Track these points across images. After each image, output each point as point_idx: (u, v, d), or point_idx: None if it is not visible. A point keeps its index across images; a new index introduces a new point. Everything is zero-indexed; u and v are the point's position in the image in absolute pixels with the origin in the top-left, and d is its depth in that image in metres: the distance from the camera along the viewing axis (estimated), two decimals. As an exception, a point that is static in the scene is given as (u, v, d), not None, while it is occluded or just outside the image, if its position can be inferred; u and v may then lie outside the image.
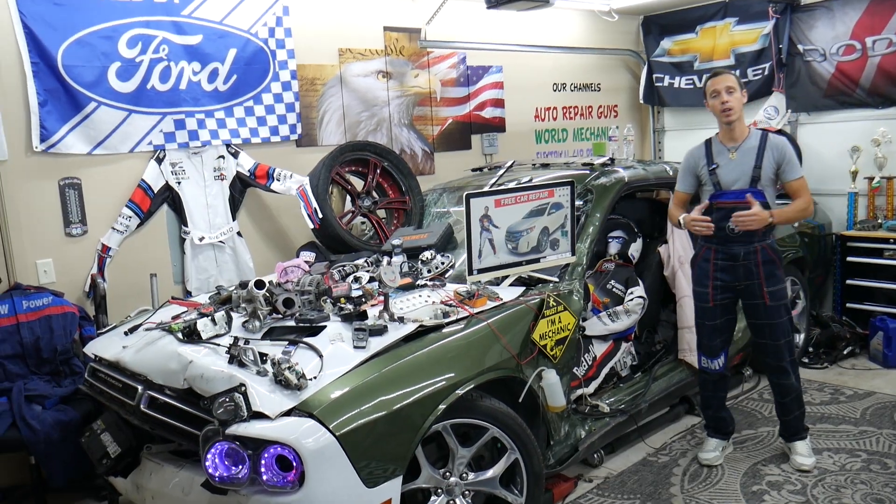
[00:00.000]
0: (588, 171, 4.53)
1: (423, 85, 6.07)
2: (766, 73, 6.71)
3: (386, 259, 4.19)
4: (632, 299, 4.57)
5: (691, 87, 7.35)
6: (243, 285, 3.45)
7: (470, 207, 3.55)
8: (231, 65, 5.01)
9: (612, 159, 4.79)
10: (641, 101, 7.67)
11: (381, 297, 3.32)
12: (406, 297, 3.51)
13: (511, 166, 4.95)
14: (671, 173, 4.82)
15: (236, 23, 5.03)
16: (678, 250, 4.78)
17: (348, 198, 5.08)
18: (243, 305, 3.38)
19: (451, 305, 3.38)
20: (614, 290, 4.64)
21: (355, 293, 3.60)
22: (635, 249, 4.84)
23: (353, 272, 3.96)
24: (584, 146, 7.44)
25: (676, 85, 7.45)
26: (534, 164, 5.01)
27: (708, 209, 3.88)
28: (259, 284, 3.26)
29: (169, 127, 4.79)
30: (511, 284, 3.78)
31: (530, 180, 4.48)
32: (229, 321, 3.31)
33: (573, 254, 3.92)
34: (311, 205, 4.62)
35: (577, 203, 4.23)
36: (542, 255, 3.82)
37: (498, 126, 6.64)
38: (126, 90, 4.61)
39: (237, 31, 5.03)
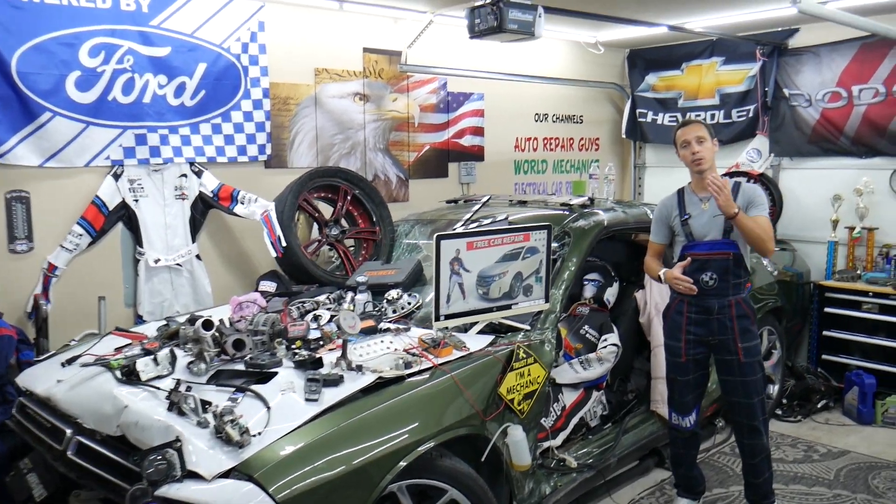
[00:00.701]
0: (566, 213, 4.36)
1: (401, 109, 5.88)
2: (751, 115, 6.62)
3: (350, 295, 3.97)
4: (605, 346, 4.39)
5: (675, 124, 7.22)
6: (192, 320, 3.21)
7: (440, 250, 3.35)
8: (200, 79, 4.78)
9: (591, 199, 4.62)
10: (624, 136, 7.55)
11: (340, 342, 3.10)
12: (367, 342, 3.28)
13: (487, 202, 4.76)
14: (650, 217, 4.65)
15: (208, 36, 4.80)
16: (655, 297, 4.62)
17: (315, 226, 4.84)
18: (189, 345, 3.14)
19: (414, 355, 3.16)
20: (588, 335, 4.46)
21: (313, 334, 3.38)
22: (611, 294, 4.67)
23: (314, 309, 3.74)
24: (564, 178, 7.28)
25: (660, 121, 7.34)
26: (510, 201, 4.83)
27: (680, 259, 3.74)
28: (207, 325, 3.02)
29: (129, 142, 4.54)
30: (480, 332, 3.58)
31: (506, 219, 4.30)
32: (173, 361, 3.07)
33: (547, 300, 3.73)
34: (274, 232, 4.38)
35: (554, 246, 4.05)
36: (515, 301, 3.63)
37: (477, 155, 6.46)
38: (85, 101, 4.36)
39: (208, 44, 4.81)
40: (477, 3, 4.13)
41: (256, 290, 4.40)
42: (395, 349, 3.25)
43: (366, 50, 5.63)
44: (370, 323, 3.46)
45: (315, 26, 5.34)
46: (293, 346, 3.19)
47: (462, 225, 4.42)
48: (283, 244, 4.34)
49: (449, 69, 5.98)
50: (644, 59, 7.44)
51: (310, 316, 3.64)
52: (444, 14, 5.50)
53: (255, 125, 5.06)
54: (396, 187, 5.92)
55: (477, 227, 4.29)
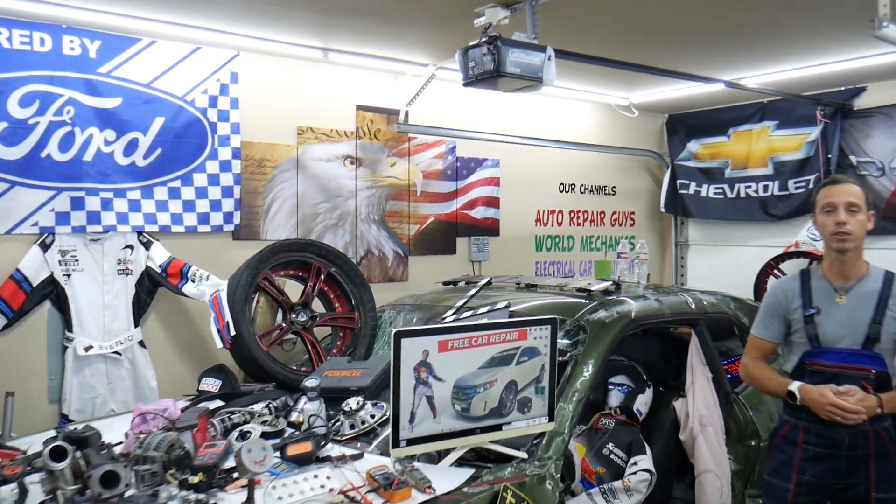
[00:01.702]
0: (584, 300, 3.46)
1: (400, 175, 5.11)
2: (811, 185, 5.69)
3: (304, 401, 3.10)
4: (635, 473, 3.40)
5: (721, 196, 6.34)
6: (48, 442, 2.35)
7: (400, 351, 2.47)
8: (156, 136, 4.10)
9: (616, 284, 3.71)
10: (663, 210, 6.66)
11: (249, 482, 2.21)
12: (294, 478, 2.39)
13: (487, 284, 3.89)
14: (693, 307, 3.72)
15: (168, 87, 4.14)
16: (699, 408, 3.61)
17: (281, 310, 4.02)
18: (44, 478, 2.28)
19: (354, 501, 2.25)
20: (613, 456, 3.47)
21: (231, 462, 2.49)
22: (643, 403, 3.70)
23: (245, 422, 2.87)
24: (593, 257, 6.39)
25: (704, 193, 6.45)
26: (518, 284, 3.95)
27: (797, 369, 2.78)
28: (58, 454, 2.16)
29: (64, 206, 3.84)
30: (457, 462, 2.65)
31: (506, 307, 3.41)
32: (22, 497, 2.22)
33: (551, 419, 2.80)
34: (223, 317, 3.56)
35: (564, 343, 3.14)
36: (506, 419, 2.70)
37: (490, 229, 5.63)
38: (11, 157, 3.70)
39: (168, 96, 4.14)
40: (471, 43, 3.37)
41: (198, 389, 3.58)
42: (331, 489, 2.34)
43: (359, 108, 4.92)
44: (304, 448, 2.56)
45: (298, 79, 4.66)
46: (190, 482, 2.31)
47: (453, 314, 3.55)
48: (233, 332, 3.51)
49: (456, 130, 5.23)
50: (685, 125, 6.62)
51: (235, 433, 2.76)
52: (447, 67, 4.79)
53: (222, 190, 4.33)
54: (393, 265, 5.10)
55: (457, 318, 3.41)
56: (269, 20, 4.03)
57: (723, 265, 6.41)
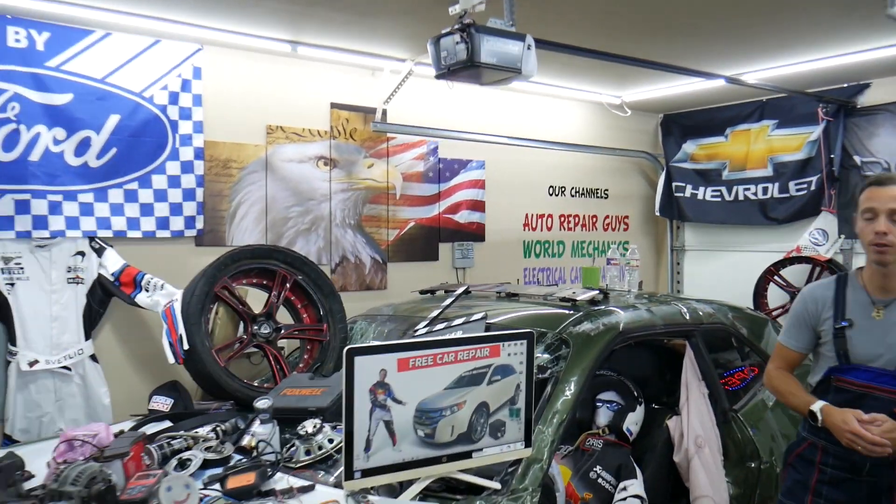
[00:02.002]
0: (568, 311, 3.17)
1: (378, 178, 4.83)
2: (813, 188, 5.41)
3: (257, 423, 2.80)
4: (624, 499, 3.11)
5: (718, 199, 6.06)
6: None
7: (353, 371, 2.18)
8: (110, 135, 3.82)
9: (604, 293, 3.42)
10: (657, 214, 6.38)
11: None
12: (230, 516, 2.09)
13: (465, 293, 3.60)
14: (688, 318, 3.44)
15: (124, 82, 3.87)
16: (695, 427, 3.32)
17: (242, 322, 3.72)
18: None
19: (294, 544, 1.95)
20: (600, 480, 3.18)
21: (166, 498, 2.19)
22: (633, 421, 3.41)
23: (186, 448, 2.57)
24: (585, 263, 6.10)
25: (700, 196, 6.16)
26: (498, 293, 3.65)
27: (822, 383, 2.51)
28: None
29: (7, 209, 3.55)
30: (421, 495, 2.35)
31: (482, 318, 3.12)
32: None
33: (528, 444, 2.50)
34: (176, 330, 3.27)
35: (544, 358, 2.86)
36: (477, 446, 2.41)
37: (475, 234, 5.35)
38: (-53, 157, 3.41)
39: (124, 92, 3.86)
40: (443, 31, 3.09)
41: (148, 409, 3.29)
42: (271, 531, 2.05)
43: (334, 106, 4.64)
44: (247, 479, 2.26)
45: (268, 75, 4.39)
46: (109, 523, 2.01)
47: (426, 326, 3.26)
48: (185, 346, 3.22)
49: (438, 130, 4.96)
50: (680, 125, 6.35)
51: (174, 462, 2.47)
52: (426, 63, 4.51)
53: (183, 192, 4.05)
54: (371, 272, 4.81)
55: (430, 330, 3.13)
56: (234, 11, 3.76)
57: (721, 271, 6.13)
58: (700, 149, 6.20)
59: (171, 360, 3.25)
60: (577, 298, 3.25)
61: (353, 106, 4.71)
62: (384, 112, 4.79)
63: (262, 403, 2.71)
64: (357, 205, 4.74)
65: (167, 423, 2.99)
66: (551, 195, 5.88)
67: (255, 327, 3.58)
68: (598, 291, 3.37)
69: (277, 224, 4.41)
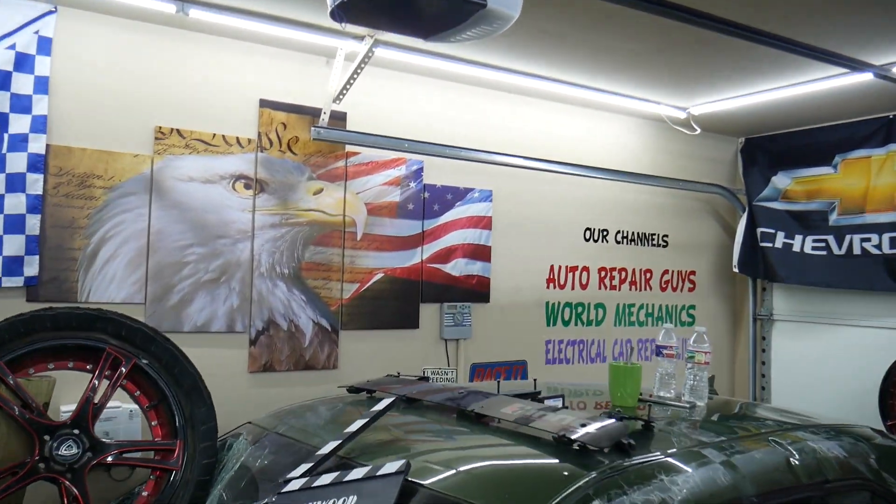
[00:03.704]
0: (565, 467, 1.61)
1: (329, 209, 3.38)
2: (972, 241, 3.71)
3: None
4: None
5: (823, 252, 4.39)
6: None
7: None
8: None
9: (646, 423, 1.85)
10: (735, 270, 4.72)
11: None
12: None
13: (388, 408, 2.03)
14: (798, 466, 1.86)
15: (-83, 53, 2.55)
16: None
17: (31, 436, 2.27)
18: None
19: None
20: None
21: None
22: None
23: None
24: (636, 334, 4.50)
25: (797, 248, 4.50)
26: (457, 405, 2.09)
27: None
28: None
29: None
30: None
31: (401, 473, 1.60)
32: None
33: None
34: None
35: None
36: None
37: (475, 291, 3.82)
38: None
39: (-85, 68, 2.54)
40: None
41: None
42: None
43: (264, 104, 3.24)
44: None
45: (160, 55, 3.02)
46: None
47: (302, 476, 1.75)
48: None
49: (423, 144, 3.49)
50: (769, 151, 4.74)
51: None
52: (399, 45, 3.08)
53: (5, 221, 2.68)
54: (314, 344, 3.33)
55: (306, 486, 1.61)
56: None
57: (826, 354, 4.42)
58: (796, 183, 4.56)
59: None
60: (586, 441, 1.67)
61: (294, 106, 3.31)
62: (344, 116, 3.37)
63: None
64: (295, 247, 3.29)
65: None
66: (588, 241, 4.31)
67: (54, 445, 2.14)
68: (625, 422, 1.79)
69: (166, 272, 2.99)
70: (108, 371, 2.27)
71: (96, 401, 2.23)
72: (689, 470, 1.67)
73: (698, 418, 2.19)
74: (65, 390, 2.61)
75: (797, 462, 1.91)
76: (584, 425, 1.71)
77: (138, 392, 2.34)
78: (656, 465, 1.65)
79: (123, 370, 2.27)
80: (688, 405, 2.26)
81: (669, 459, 1.69)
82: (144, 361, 2.31)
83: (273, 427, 2.31)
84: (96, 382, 2.23)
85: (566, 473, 1.57)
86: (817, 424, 2.21)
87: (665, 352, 2.43)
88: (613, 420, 1.77)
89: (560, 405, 2.06)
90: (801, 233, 4.49)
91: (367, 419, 1.90)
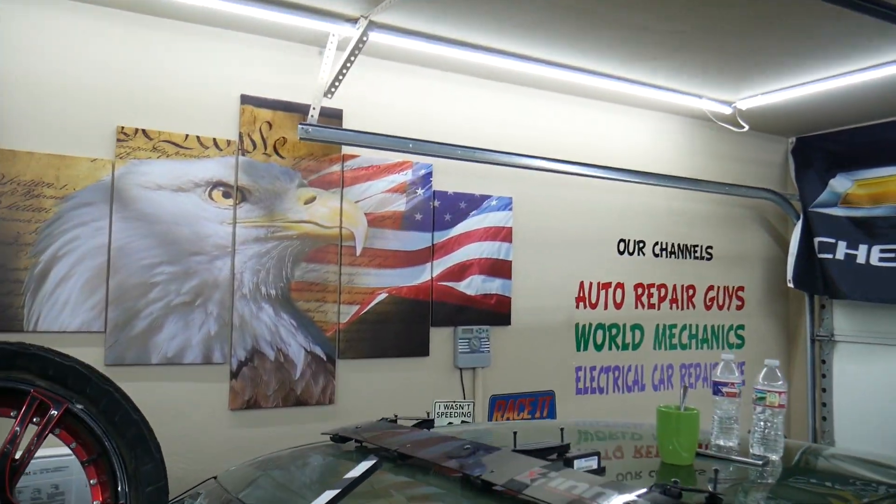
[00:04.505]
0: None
1: (324, 220, 2.95)
2: None
3: None
4: None
5: (893, 263, 3.84)
6: None
7: None
8: None
9: (715, 497, 1.35)
10: (790, 285, 4.18)
11: None
12: None
13: (371, 471, 1.56)
14: None
15: None
16: None
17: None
18: None
19: None
20: None
21: None
22: None
23: None
24: (679, 359, 3.99)
25: (861, 259, 3.96)
26: (462, 472, 1.62)
27: None
28: None
29: None
30: None
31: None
32: None
33: None
34: None
35: None
36: None
37: (494, 313, 3.35)
38: None
39: None
40: None
41: None
42: None
43: (246, 100, 2.82)
44: None
45: (124, 42, 2.62)
46: None
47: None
48: None
49: (431, 144, 3.04)
50: (825, 151, 4.22)
51: None
52: (400, 30, 2.65)
53: (-66, 238, 2.28)
54: (306, 376, 2.89)
55: None
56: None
57: (895, 381, 3.87)
58: (859, 186, 4.03)
59: None
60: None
61: (281, 102, 2.88)
62: (340, 114, 2.94)
63: None
64: (283, 264, 2.85)
65: None
66: (623, 254, 3.82)
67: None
68: (681, 495, 1.30)
69: (129, 295, 2.57)
70: (35, 418, 1.86)
71: (17, 456, 1.81)
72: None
73: (775, 480, 1.69)
74: None
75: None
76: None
77: (74, 444, 1.92)
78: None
79: (54, 416, 1.85)
80: (760, 462, 1.76)
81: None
82: (79, 406, 1.88)
83: (237, 489, 1.86)
84: (17, 431, 1.81)
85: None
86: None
87: (725, 390, 1.94)
88: (666, 496, 1.29)
89: (594, 466, 1.58)
90: (867, 242, 3.95)
91: (339, 490, 1.44)
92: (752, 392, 1.94)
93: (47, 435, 1.85)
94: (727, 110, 3.77)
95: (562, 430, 1.81)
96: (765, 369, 1.90)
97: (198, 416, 2.70)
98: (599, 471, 1.60)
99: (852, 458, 2.03)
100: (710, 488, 1.38)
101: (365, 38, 2.60)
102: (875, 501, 1.57)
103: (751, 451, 1.85)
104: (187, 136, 2.70)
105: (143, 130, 2.63)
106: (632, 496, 1.29)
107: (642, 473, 1.79)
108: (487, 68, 3.21)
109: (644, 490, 1.34)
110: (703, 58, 3.10)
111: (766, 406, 1.84)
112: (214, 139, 2.75)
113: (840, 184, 4.11)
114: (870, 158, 4.00)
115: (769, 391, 1.84)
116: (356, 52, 2.63)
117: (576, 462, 1.55)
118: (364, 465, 1.50)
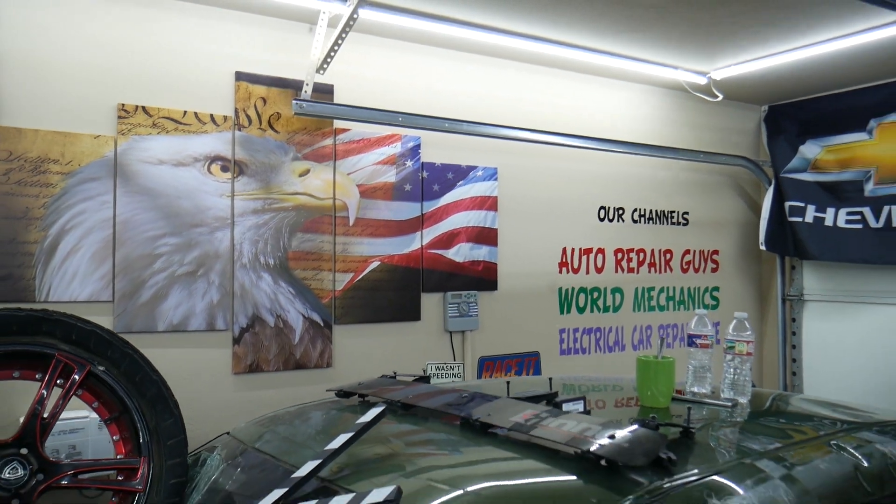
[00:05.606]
0: (594, 487, 1.29)
1: (318, 192, 3.07)
2: None
3: None
4: None
5: (859, 225, 4.04)
6: None
7: None
8: None
9: (688, 429, 1.53)
10: (762, 247, 4.38)
11: None
12: None
13: (378, 419, 1.72)
14: (868, 483, 1.53)
15: None
16: None
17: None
18: None
19: None
20: None
21: None
22: None
23: None
24: (657, 320, 4.18)
25: (829, 221, 4.16)
26: (463, 418, 1.78)
27: None
28: None
29: None
30: None
31: (392, 501, 1.29)
32: None
33: None
34: None
35: None
36: None
37: (481, 279, 3.51)
38: None
39: None
40: None
41: None
42: None
43: (241, 77, 2.92)
44: None
45: (123, 23, 2.70)
46: None
47: (281, 500, 1.44)
48: None
49: (419, 117, 3.17)
50: (796, 118, 4.39)
51: None
52: (391, 7, 2.77)
53: (-52, 213, 2.38)
54: (304, 341, 3.03)
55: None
56: None
57: (862, 336, 4.09)
58: (828, 152, 4.21)
59: None
60: (617, 457, 1.35)
61: (275, 78, 2.99)
62: (331, 89, 3.05)
63: None
64: (280, 234, 2.98)
65: None
66: (603, 220, 3.99)
67: (-9, 471, 1.85)
68: (661, 430, 1.47)
69: (135, 265, 2.69)
70: (59, 380, 1.99)
71: (45, 415, 1.95)
72: (746, 492, 1.35)
73: (743, 419, 1.88)
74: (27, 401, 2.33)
75: (867, 470, 1.60)
76: (612, 437, 1.40)
77: (97, 403, 2.06)
78: (705, 487, 1.33)
79: (77, 379, 1.98)
80: (729, 403, 1.94)
81: (719, 478, 1.38)
82: (101, 368, 2.01)
83: (251, 440, 2.01)
84: (45, 393, 1.94)
85: (594, 501, 1.26)
86: (882, 421, 1.89)
87: (699, 342, 2.11)
88: (646, 428, 1.46)
89: (581, 409, 1.74)
90: (834, 205, 4.15)
91: (351, 433, 1.59)
92: (732, 347, 2.11)
93: (72, 396, 1.98)
94: (702, 80, 3.92)
95: (550, 379, 1.98)
96: (734, 321, 2.07)
97: (203, 381, 2.84)
98: (585, 413, 1.76)
99: (815, 401, 2.22)
100: (683, 424, 1.55)
101: (355, 16, 2.71)
102: (832, 434, 1.75)
103: (721, 395, 2.03)
104: (185, 112, 2.80)
105: (143, 107, 2.73)
106: (613, 425, 1.45)
107: (623, 417, 1.97)
108: (472, 43, 3.33)
109: (626, 421, 1.50)
110: (678, 30, 3.23)
111: (735, 354, 2.01)
112: (212, 115, 2.86)
113: (809, 150, 4.29)
114: (837, 125, 4.18)
115: (738, 340, 2.01)
116: (347, 28, 2.74)
117: (564, 405, 1.71)
118: (374, 412, 1.65)
